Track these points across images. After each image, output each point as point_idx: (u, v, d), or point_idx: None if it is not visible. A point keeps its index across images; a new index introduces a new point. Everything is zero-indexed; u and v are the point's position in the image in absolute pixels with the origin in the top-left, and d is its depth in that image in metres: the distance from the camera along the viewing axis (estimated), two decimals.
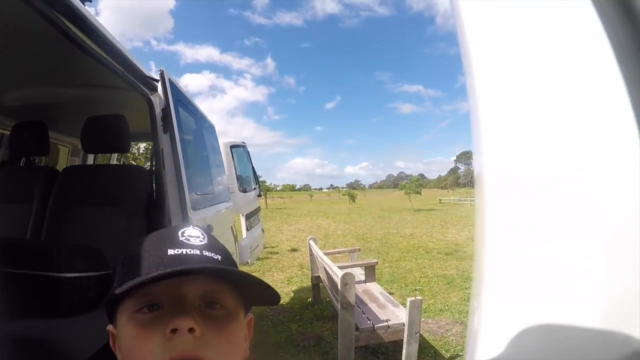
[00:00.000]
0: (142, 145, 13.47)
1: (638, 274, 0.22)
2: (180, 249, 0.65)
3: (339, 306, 3.59)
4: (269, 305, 0.76)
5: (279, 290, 0.72)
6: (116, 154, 5.32)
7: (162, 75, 2.69)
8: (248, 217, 5.77)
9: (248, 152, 6.84)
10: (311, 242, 5.92)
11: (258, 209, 6.76)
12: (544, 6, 0.28)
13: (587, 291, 0.23)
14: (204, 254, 0.66)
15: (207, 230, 0.74)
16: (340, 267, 4.17)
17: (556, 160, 0.25)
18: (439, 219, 22.11)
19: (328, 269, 4.26)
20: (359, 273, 5.20)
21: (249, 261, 5.27)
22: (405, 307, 3.51)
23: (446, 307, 5.65)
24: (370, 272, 5.16)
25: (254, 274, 0.70)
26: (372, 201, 58.84)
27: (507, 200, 0.27)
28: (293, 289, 6.81)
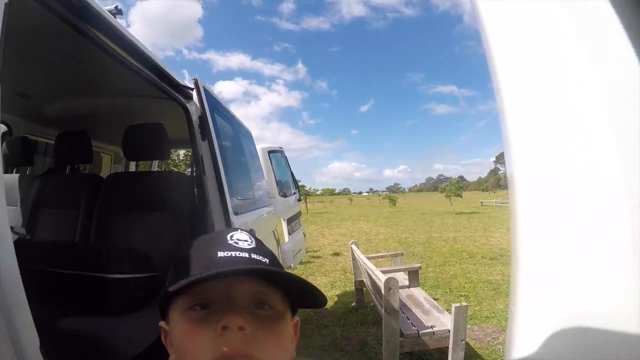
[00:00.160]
0: (182, 152, 13.77)
1: None
2: (230, 251, 0.67)
3: (382, 311, 3.58)
4: (315, 308, 0.77)
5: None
6: (157, 161, 5.47)
7: (196, 83, 2.76)
8: (289, 221, 5.79)
9: (286, 156, 6.87)
10: (353, 246, 5.92)
11: (299, 213, 6.79)
12: (569, 6, 0.28)
13: (623, 295, 0.23)
14: (252, 256, 0.68)
15: (254, 234, 0.76)
16: (384, 272, 4.15)
17: (589, 160, 0.26)
18: (482, 222, 21.63)
19: (371, 273, 4.25)
20: (402, 278, 5.16)
21: (292, 265, 5.31)
22: (450, 313, 3.46)
23: (492, 314, 5.51)
24: (414, 276, 5.09)
25: None
26: (412, 204, 58.09)
27: (540, 202, 0.27)
28: (337, 293, 6.82)
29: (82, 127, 3.26)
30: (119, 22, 2.06)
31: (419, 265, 5.51)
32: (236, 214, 2.83)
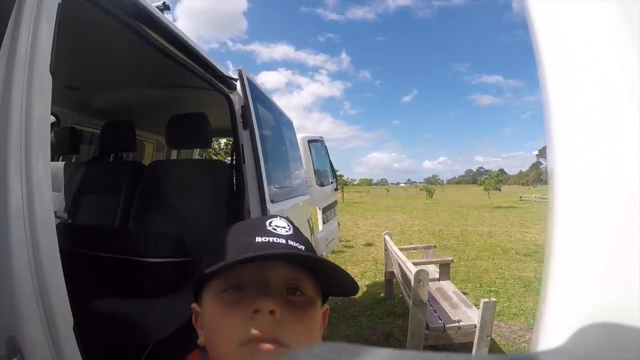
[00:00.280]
0: (223, 141, 13.95)
1: None
2: (268, 237, 0.69)
3: (410, 303, 3.58)
4: (347, 295, 0.78)
5: None
6: (198, 149, 5.61)
7: (240, 74, 2.81)
8: (325, 210, 5.83)
9: (325, 146, 6.90)
10: (386, 237, 5.90)
11: (335, 203, 6.81)
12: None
13: None
14: (289, 243, 0.69)
15: (291, 221, 0.78)
16: (415, 264, 4.13)
17: (634, 161, 0.25)
18: (519, 218, 21.09)
19: (402, 264, 4.24)
20: (433, 270, 5.13)
21: (324, 254, 5.34)
22: (478, 308, 3.43)
23: (521, 312, 5.41)
24: (445, 270, 5.05)
25: None
26: (449, 197, 57.19)
27: (580, 199, 0.27)
28: (366, 284, 6.82)
29: (127, 117, 3.42)
30: (166, 17, 2.14)
31: (451, 258, 5.48)
32: (272, 201, 2.88)
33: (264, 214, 2.63)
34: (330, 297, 0.78)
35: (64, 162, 3.68)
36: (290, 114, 4.82)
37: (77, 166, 3.53)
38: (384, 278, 6.05)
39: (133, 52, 2.45)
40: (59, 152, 3.64)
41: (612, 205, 0.25)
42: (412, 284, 3.49)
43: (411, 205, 33.48)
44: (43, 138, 1.13)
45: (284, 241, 0.69)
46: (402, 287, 4.69)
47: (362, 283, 6.83)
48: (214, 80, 2.73)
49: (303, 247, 0.71)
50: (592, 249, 0.25)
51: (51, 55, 1.19)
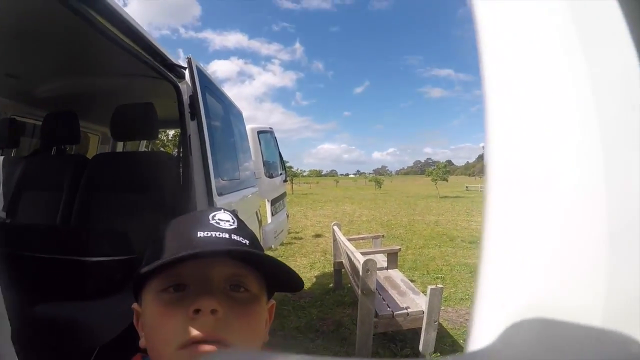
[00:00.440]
0: (171, 133, 13.62)
1: (638, 264, 0.22)
2: (210, 231, 0.66)
3: (359, 292, 3.60)
4: (292, 291, 0.77)
5: (301, 275, 0.73)
6: (145, 141, 5.42)
7: (189, 62, 2.72)
8: (273, 202, 5.81)
9: (275, 137, 6.87)
10: (335, 227, 5.91)
11: (284, 195, 6.80)
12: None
13: (587, 289, 0.23)
14: (233, 237, 0.67)
15: (237, 214, 0.75)
16: (363, 253, 4.14)
17: (569, 158, 0.25)
18: (465, 207, 21.84)
19: (350, 254, 4.26)
20: (381, 259, 5.15)
21: (273, 246, 5.35)
22: (425, 294, 3.50)
23: (467, 296, 5.59)
24: (393, 258, 5.08)
25: (277, 258, 0.72)
26: (398, 187, 58.40)
27: (508, 194, 0.27)
28: (315, 275, 6.84)
29: (71, 107, 3.21)
30: (115, 0, 2.01)
31: (399, 247, 5.57)
32: (220, 194, 2.81)
33: (211, 207, 2.55)
34: (279, 292, 0.76)
35: (2, 157, 3.48)
36: (241, 104, 4.77)
37: (16, 160, 3.32)
38: (332, 268, 6.09)
39: (78, 37, 2.28)
40: None
41: (542, 204, 0.25)
42: (361, 273, 3.50)
43: (360, 196, 33.98)
44: None
45: (227, 235, 0.67)
46: (350, 277, 4.71)
47: (312, 274, 6.87)
48: (163, 69, 2.61)
49: (247, 242, 0.68)
50: (521, 247, 0.25)
51: None
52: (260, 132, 5.91)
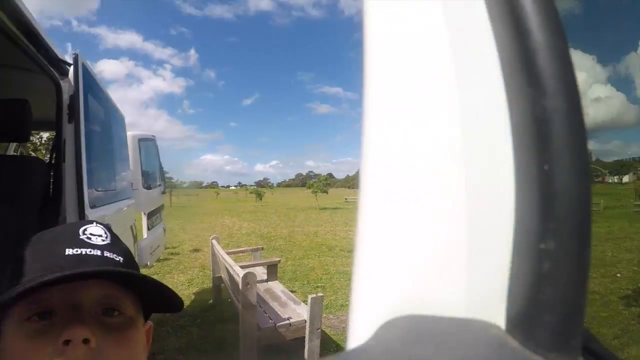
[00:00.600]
0: (45, 135, 12.34)
1: (494, 267, 0.24)
2: (80, 248, 0.59)
3: (240, 306, 3.55)
4: (171, 312, 0.71)
5: (179, 293, 0.68)
6: (14, 144, 4.87)
7: (75, 59, 2.50)
8: (150, 215, 5.50)
9: (157, 146, 6.59)
10: (214, 241, 5.78)
11: (161, 207, 6.50)
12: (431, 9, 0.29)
13: (451, 286, 0.25)
14: (105, 254, 0.61)
15: (110, 228, 0.69)
16: (242, 267, 4.14)
17: (434, 162, 0.26)
18: (343, 217, 22.57)
19: (230, 268, 4.20)
20: (261, 272, 5.16)
21: (149, 263, 5.06)
22: (306, 304, 3.53)
23: (347, 303, 5.69)
24: (273, 270, 5.16)
25: (153, 276, 0.66)
26: (279, 199, 58.96)
27: (378, 203, 0.28)
28: (194, 291, 6.65)
29: None
30: None
31: (278, 259, 5.61)
32: (93, 206, 2.60)
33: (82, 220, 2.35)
34: (156, 312, 0.70)
35: None
36: (125, 108, 4.52)
37: None
38: (212, 284, 5.96)
39: None
40: None
41: (408, 212, 0.27)
42: (241, 287, 3.47)
43: (240, 208, 33.74)
44: None
45: (99, 252, 0.60)
46: (230, 292, 4.64)
47: (190, 291, 6.65)
48: (45, 63, 2.36)
49: (122, 259, 0.63)
50: (391, 251, 0.27)
51: None
52: (141, 140, 5.63)
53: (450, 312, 0.24)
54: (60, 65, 2.53)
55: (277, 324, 3.62)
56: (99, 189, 2.94)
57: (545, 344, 0.21)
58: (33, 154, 11.24)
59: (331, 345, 4.30)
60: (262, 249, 6.73)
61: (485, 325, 0.24)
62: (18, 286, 0.54)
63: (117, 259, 0.62)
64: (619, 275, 6.09)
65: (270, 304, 4.15)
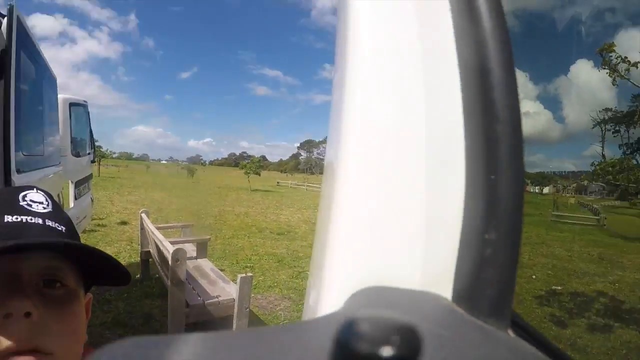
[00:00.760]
0: None
1: (446, 251, 0.29)
2: (20, 215, 0.57)
3: (169, 283, 3.52)
4: (117, 285, 0.69)
5: None
6: None
7: (10, 11, 2.35)
8: (78, 184, 5.29)
9: (88, 112, 6.31)
10: (143, 215, 5.66)
11: (90, 177, 6.27)
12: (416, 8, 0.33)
13: (409, 262, 0.30)
14: (47, 223, 0.58)
15: (51, 195, 0.65)
16: (172, 243, 4.07)
17: (401, 155, 0.31)
18: (275, 200, 22.59)
19: (159, 244, 4.15)
20: (190, 249, 5.09)
21: None
22: (235, 283, 3.55)
23: (275, 284, 5.87)
24: (202, 248, 5.13)
25: None
26: (210, 177, 57.55)
27: (349, 188, 0.31)
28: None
29: None
30: None
31: (209, 237, 5.60)
32: (19, 171, 2.47)
33: (8, 185, 2.24)
34: (101, 285, 0.69)
35: None
36: (56, 69, 4.24)
37: None
38: (140, 258, 5.84)
39: None
40: None
41: (376, 197, 0.31)
42: (170, 263, 3.44)
43: (171, 184, 32.74)
44: None
45: (40, 221, 0.58)
46: (159, 267, 4.57)
47: None
48: None
49: (64, 228, 0.61)
50: (361, 231, 0.31)
51: None
52: (72, 105, 5.37)
53: (410, 285, 0.29)
54: None
55: (206, 302, 3.62)
56: (25, 153, 2.81)
57: (484, 312, 0.27)
58: None
59: (259, 325, 4.29)
60: (192, 225, 6.65)
61: (437, 296, 0.29)
62: None
63: (60, 229, 0.60)
64: (534, 277, 6.57)
65: (199, 282, 4.13)
